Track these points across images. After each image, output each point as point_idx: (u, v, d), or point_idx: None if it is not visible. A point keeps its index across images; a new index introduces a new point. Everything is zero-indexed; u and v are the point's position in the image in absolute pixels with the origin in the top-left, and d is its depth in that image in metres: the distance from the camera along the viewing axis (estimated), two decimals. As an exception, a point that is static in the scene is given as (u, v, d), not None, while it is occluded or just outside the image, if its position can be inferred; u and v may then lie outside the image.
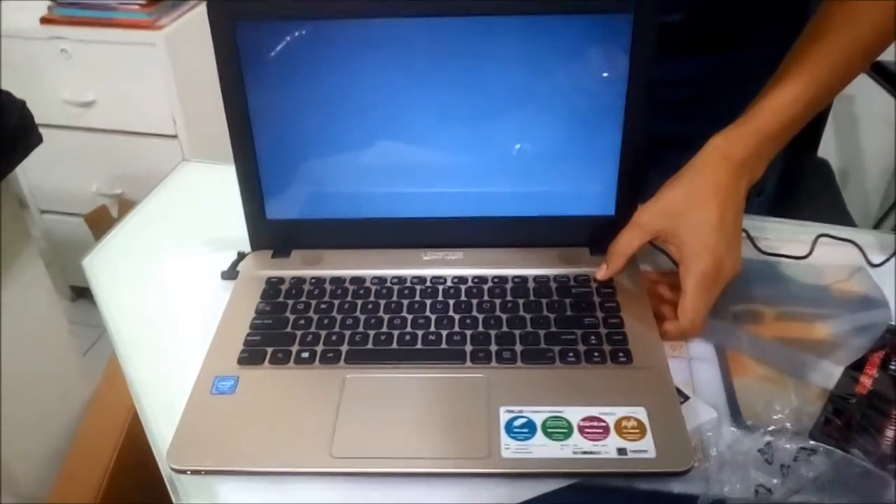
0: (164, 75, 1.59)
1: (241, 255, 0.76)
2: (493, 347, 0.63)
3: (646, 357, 0.62)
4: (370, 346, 0.64)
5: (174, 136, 1.67)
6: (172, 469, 0.56)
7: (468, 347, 0.64)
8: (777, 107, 0.66)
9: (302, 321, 0.67)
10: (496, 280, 0.71)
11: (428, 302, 0.68)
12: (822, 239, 0.77)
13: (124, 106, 1.66)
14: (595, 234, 0.73)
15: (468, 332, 0.65)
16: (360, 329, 0.66)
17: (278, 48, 0.67)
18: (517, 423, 0.57)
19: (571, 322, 0.66)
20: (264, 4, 0.66)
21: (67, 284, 1.98)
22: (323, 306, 0.68)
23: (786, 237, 0.78)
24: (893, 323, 0.67)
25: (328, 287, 0.71)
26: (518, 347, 0.63)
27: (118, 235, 0.86)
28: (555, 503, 0.54)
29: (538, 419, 0.57)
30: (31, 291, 1.21)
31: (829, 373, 0.62)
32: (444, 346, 0.64)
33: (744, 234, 0.76)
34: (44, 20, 1.62)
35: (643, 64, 0.66)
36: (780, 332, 0.67)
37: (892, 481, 0.53)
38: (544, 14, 0.65)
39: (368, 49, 0.66)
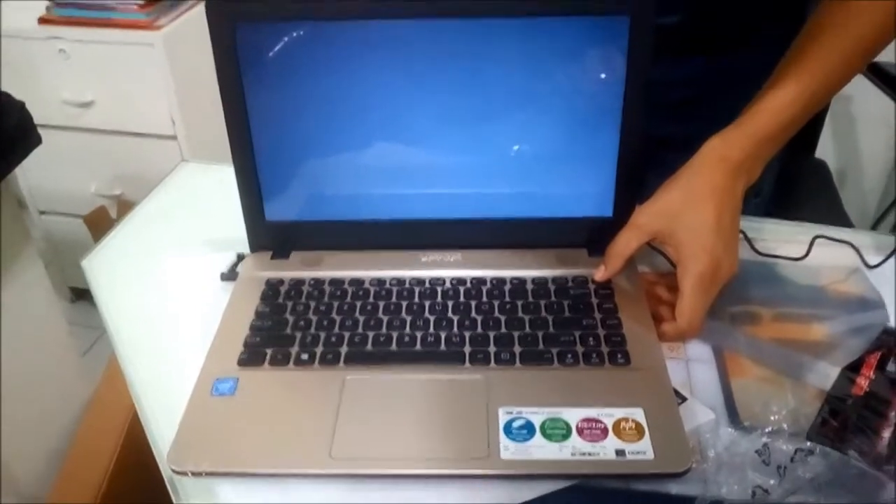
0: (163, 75, 1.59)
1: (241, 257, 0.76)
2: (492, 349, 0.64)
3: (644, 358, 0.62)
4: (369, 347, 0.65)
5: (173, 137, 1.67)
6: (173, 471, 0.56)
7: (467, 349, 0.64)
8: (774, 108, 0.66)
9: (301, 323, 0.67)
10: (495, 281, 0.71)
11: (427, 303, 0.69)
12: (818, 240, 0.77)
13: (123, 106, 1.66)
14: (593, 236, 0.73)
15: (467, 334, 0.65)
16: (360, 330, 0.66)
17: (277, 50, 0.67)
18: (516, 424, 0.57)
19: (570, 323, 0.66)
20: (263, 6, 0.66)
21: (67, 285, 1.98)
22: (322, 308, 0.69)
23: (783, 238, 0.78)
24: (890, 324, 0.67)
25: (327, 288, 0.71)
26: (517, 349, 0.64)
27: (118, 236, 0.86)
28: (553, 504, 0.54)
29: (537, 420, 0.57)
30: (30, 292, 1.21)
31: (826, 374, 0.62)
32: (443, 347, 0.64)
33: (741, 236, 0.76)
34: (42, 20, 1.62)
35: (640, 65, 0.66)
36: (778, 333, 0.67)
37: (888, 482, 0.53)
38: (542, 16, 0.65)
39: (367, 50, 0.67)
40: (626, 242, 0.68)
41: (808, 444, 0.56)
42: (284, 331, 0.67)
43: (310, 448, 0.56)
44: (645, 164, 0.71)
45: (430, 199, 0.73)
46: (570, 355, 0.63)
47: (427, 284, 0.71)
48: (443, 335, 0.65)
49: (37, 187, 1.82)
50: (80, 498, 1.03)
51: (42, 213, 1.87)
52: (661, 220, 0.66)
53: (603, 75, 0.67)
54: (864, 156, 1.78)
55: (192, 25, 1.63)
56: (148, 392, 0.66)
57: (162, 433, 0.60)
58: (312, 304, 0.69)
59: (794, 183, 1.25)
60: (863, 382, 0.61)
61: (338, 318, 0.67)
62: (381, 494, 0.55)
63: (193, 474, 0.56)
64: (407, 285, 0.71)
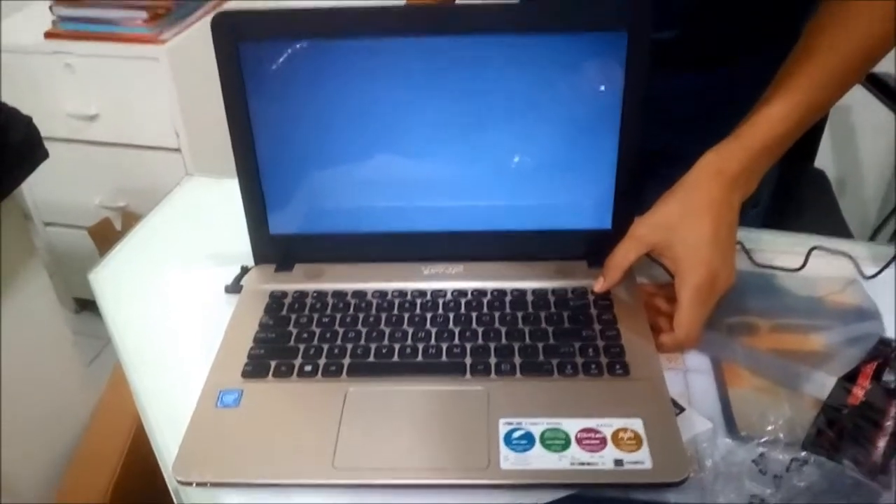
0: (167, 89, 1.60)
1: (245, 270, 0.77)
2: (493, 360, 0.65)
3: (642, 369, 0.63)
4: (372, 359, 0.66)
5: (177, 150, 1.69)
6: (178, 481, 0.57)
7: (468, 360, 0.65)
8: (770, 121, 0.67)
9: (305, 335, 0.68)
10: (495, 293, 0.72)
11: (428, 315, 0.69)
12: (815, 251, 0.78)
13: (127, 119, 1.67)
14: (592, 248, 0.74)
15: (468, 345, 0.66)
16: (362, 342, 0.67)
17: (280, 66, 0.68)
18: (516, 434, 0.58)
19: (569, 334, 0.67)
20: (267, 24, 0.67)
21: (71, 296, 1.99)
22: (325, 320, 0.70)
23: (780, 249, 0.79)
24: (886, 334, 0.68)
25: (330, 301, 0.72)
26: (517, 360, 0.64)
27: (123, 250, 0.87)
28: (553, 513, 0.55)
29: (536, 431, 0.58)
30: (35, 303, 1.22)
31: (823, 384, 0.63)
32: (444, 358, 0.65)
33: (739, 247, 0.77)
34: (48, 35, 1.63)
35: (638, 80, 0.67)
36: (775, 343, 0.68)
37: (882, 491, 0.54)
38: (541, 33, 0.66)
39: (369, 67, 0.68)
40: (624, 254, 0.69)
41: (804, 453, 0.56)
42: (288, 343, 0.68)
43: (313, 458, 0.57)
44: (643, 177, 0.71)
45: (431, 212, 0.74)
46: (569, 366, 0.63)
47: (429, 296, 0.72)
48: (444, 346, 0.66)
49: (42, 199, 1.84)
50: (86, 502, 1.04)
51: (47, 224, 1.89)
52: (660, 233, 0.67)
53: (601, 90, 0.68)
54: (864, 165, 1.78)
55: (196, 40, 1.64)
56: (153, 403, 0.66)
57: (167, 443, 0.61)
58: (315, 316, 0.70)
59: (794, 192, 1.26)
60: (859, 392, 0.62)
61: (340, 330, 0.68)
62: (384, 504, 0.56)
63: (198, 484, 0.57)
64: (409, 297, 0.72)
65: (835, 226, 1.22)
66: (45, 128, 1.06)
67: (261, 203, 0.73)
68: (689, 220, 0.65)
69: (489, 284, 0.73)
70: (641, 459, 0.55)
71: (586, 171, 0.72)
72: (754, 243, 0.79)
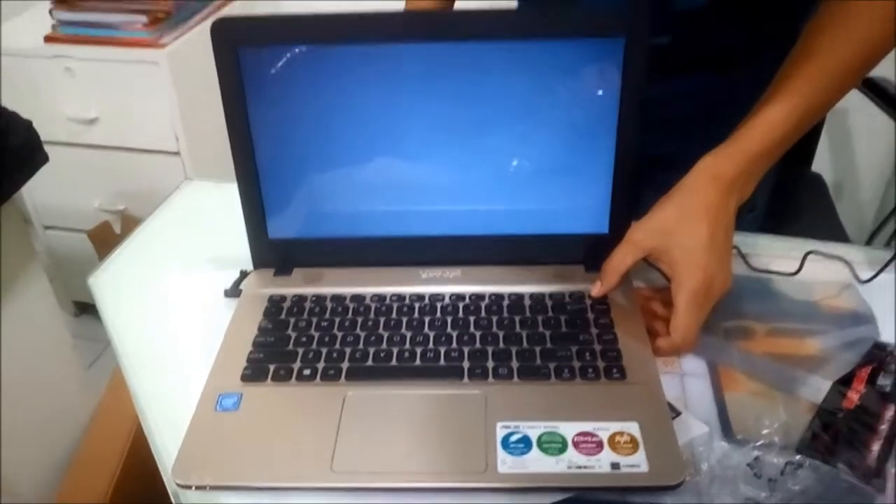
0: (167, 93, 1.61)
1: (244, 274, 0.77)
2: (490, 364, 0.65)
3: (639, 373, 0.63)
4: (370, 362, 0.66)
5: (176, 153, 1.69)
6: (177, 484, 0.57)
7: (466, 364, 0.65)
8: (767, 125, 0.67)
9: (303, 339, 0.68)
10: (493, 297, 0.72)
11: (426, 319, 0.70)
12: (811, 255, 0.78)
13: (127, 123, 1.67)
14: (589, 252, 0.74)
15: (466, 349, 0.66)
16: (361, 346, 0.67)
17: (280, 71, 0.68)
18: (513, 438, 0.58)
19: (566, 338, 0.67)
20: (266, 30, 0.67)
21: (71, 299, 1.99)
22: (324, 324, 0.70)
23: (776, 254, 0.79)
24: (880, 339, 0.68)
25: (329, 305, 0.72)
26: (514, 364, 0.65)
27: (123, 253, 0.87)
28: (550, 516, 0.55)
29: (533, 434, 0.58)
30: (34, 306, 1.22)
31: (818, 387, 0.63)
32: (442, 362, 0.66)
33: (735, 251, 0.78)
34: (48, 39, 1.64)
35: (635, 85, 0.67)
36: (771, 347, 0.68)
37: (876, 495, 0.54)
38: (539, 39, 0.66)
39: (367, 72, 0.68)
40: (621, 259, 0.69)
41: (799, 457, 0.57)
42: (287, 347, 0.68)
43: (312, 462, 0.58)
44: (640, 182, 0.72)
45: (430, 216, 0.74)
46: (566, 370, 0.64)
47: (427, 300, 0.72)
48: (442, 350, 0.67)
49: (41, 203, 1.84)
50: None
51: (47, 228, 1.89)
52: (656, 238, 0.67)
53: (598, 95, 0.69)
54: (861, 169, 1.78)
55: (196, 44, 1.65)
56: (153, 406, 0.67)
57: (166, 446, 0.62)
58: (314, 320, 0.70)
59: (791, 196, 1.27)
60: (854, 396, 0.62)
61: (339, 334, 0.69)
62: (382, 507, 0.57)
63: (197, 487, 0.57)
64: (407, 301, 0.72)
65: (832, 230, 1.22)
66: (44, 131, 1.07)
67: (260, 207, 0.74)
68: (685, 224, 0.66)
69: (487, 288, 0.73)
70: (638, 463, 0.56)
71: (583, 176, 0.72)
72: (750, 247, 0.80)
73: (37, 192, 1.81)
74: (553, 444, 0.57)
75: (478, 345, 0.67)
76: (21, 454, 1.17)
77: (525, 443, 0.58)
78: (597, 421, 0.59)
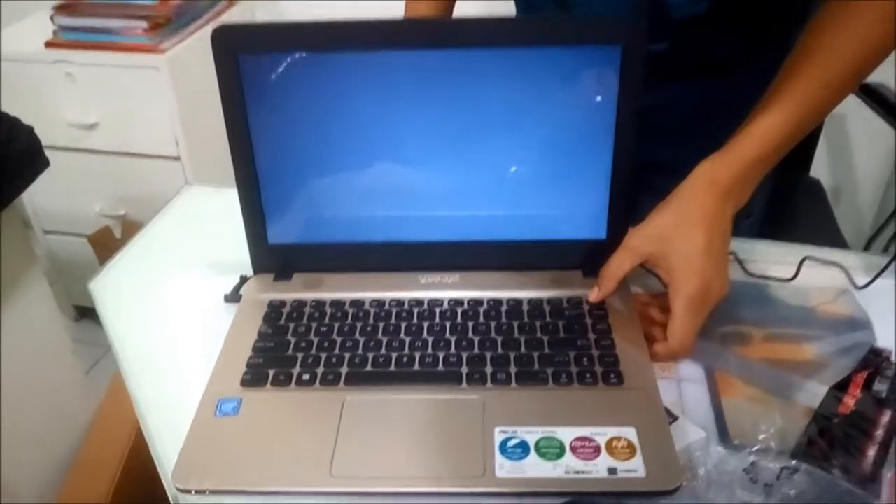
0: (167, 98, 1.61)
1: (244, 279, 0.78)
2: (489, 369, 0.65)
3: (636, 378, 0.64)
4: (369, 368, 0.66)
5: (176, 158, 1.69)
6: (177, 489, 0.58)
7: (464, 369, 0.65)
8: (764, 131, 0.67)
9: (303, 344, 0.69)
10: (492, 303, 0.72)
11: (425, 324, 0.70)
12: (808, 261, 0.78)
13: (127, 128, 1.68)
14: (587, 258, 0.75)
15: (464, 354, 0.67)
16: (360, 351, 0.68)
17: (280, 78, 0.69)
18: (511, 443, 0.58)
19: (564, 344, 0.67)
20: (266, 37, 0.68)
21: (71, 304, 2.00)
22: (323, 329, 0.70)
23: (773, 260, 0.79)
24: (877, 344, 0.69)
25: (328, 310, 0.73)
26: (512, 369, 0.65)
27: (123, 258, 0.88)
28: (547, 521, 0.55)
29: (531, 439, 0.58)
30: (35, 310, 1.23)
31: (814, 393, 0.64)
32: (440, 367, 0.66)
33: (732, 257, 0.78)
34: (48, 44, 1.64)
35: (632, 92, 0.68)
36: (767, 353, 0.68)
37: (871, 501, 0.54)
38: (538, 46, 0.67)
39: (366, 79, 0.69)
40: (619, 264, 0.69)
41: (794, 462, 0.57)
42: (286, 352, 0.68)
43: (311, 467, 0.58)
44: (637, 188, 0.72)
45: (428, 222, 0.75)
46: (564, 375, 0.64)
47: (425, 306, 0.72)
48: (441, 356, 0.67)
49: (42, 207, 1.85)
50: (87, 506, 1.05)
51: (47, 232, 1.89)
52: (654, 244, 0.67)
53: (595, 102, 0.69)
54: (859, 174, 1.79)
55: (196, 49, 1.65)
56: (153, 411, 0.67)
57: (166, 451, 0.62)
58: (314, 325, 0.71)
59: (789, 202, 1.27)
60: (850, 401, 0.63)
61: (338, 340, 0.69)
62: (380, 512, 0.57)
63: (197, 492, 0.58)
64: (406, 306, 0.72)
65: (830, 235, 1.22)
66: (45, 136, 1.07)
67: (260, 213, 0.74)
68: (682, 230, 0.66)
69: (485, 294, 0.73)
70: (635, 468, 0.56)
71: (581, 182, 0.72)
72: (747, 253, 0.80)
73: (37, 196, 1.81)
74: (551, 449, 0.58)
75: (476, 350, 0.67)
76: (21, 458, 1.17)
77: (523, 447, 0.58)
78: (594, 426, 0.59)
